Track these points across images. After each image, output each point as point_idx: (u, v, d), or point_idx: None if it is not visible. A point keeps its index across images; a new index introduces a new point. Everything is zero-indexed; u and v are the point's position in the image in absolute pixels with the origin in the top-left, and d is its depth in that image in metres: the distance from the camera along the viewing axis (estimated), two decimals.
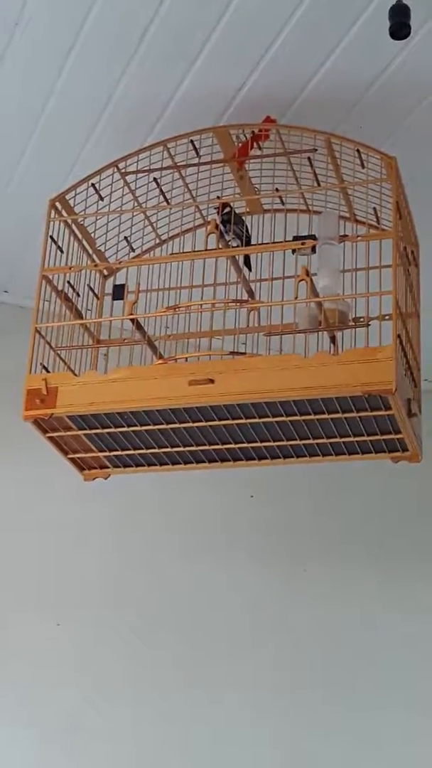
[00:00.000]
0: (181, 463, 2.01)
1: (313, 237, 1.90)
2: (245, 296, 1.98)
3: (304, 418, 1.84)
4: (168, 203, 2.03)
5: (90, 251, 2.06)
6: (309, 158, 1.94)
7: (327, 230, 1.94)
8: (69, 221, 2.00)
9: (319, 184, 1.97)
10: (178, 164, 2.00)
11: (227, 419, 1.86)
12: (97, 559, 2.51)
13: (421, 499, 2.80)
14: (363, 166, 1.91)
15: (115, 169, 2.00)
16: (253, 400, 1.80)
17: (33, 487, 2.50)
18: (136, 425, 1.90)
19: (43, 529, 2.49)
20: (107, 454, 1.99)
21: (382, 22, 1.72)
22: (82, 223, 2.03)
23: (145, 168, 2.00)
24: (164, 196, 2.03)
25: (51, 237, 1.96)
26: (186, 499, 2.59)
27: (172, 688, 2.47)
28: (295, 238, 1.90)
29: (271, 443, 1.92)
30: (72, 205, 2.00)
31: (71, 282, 1.97)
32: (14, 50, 1.94)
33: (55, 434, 1.94)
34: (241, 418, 1.85)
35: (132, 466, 2.03)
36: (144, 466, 2.03)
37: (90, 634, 2.45)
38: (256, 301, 1.96)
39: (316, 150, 1.93)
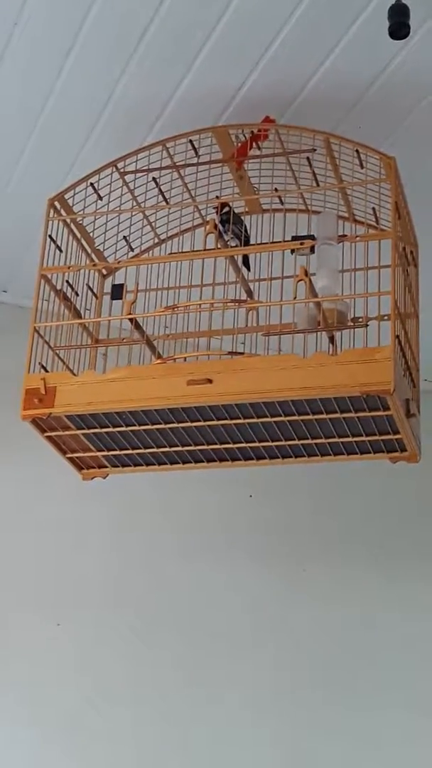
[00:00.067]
0: (179, 463, 2.01)
1: (311, 237, 1.90)
2: (244, 296, 1.98)
3: (302, 418, 1.84)
4: (167, 203, 2.03)
5: (89, 251, 2.06)
6: (308, 158, 1.94)
7: (326, 230, 1.94)
8: (68, 221, 2.00)
9: (318, 184, 1.97)
10: (177, 164, 2.00)
11: (225, 419, 1.86)
12: (97, 559, 2.51)
13: (420, 499, 2.80)
14: (362, 166, 1.90)
15: (114, 169, 2.00)
16: (252, 400, 1.80)
17: (32, 487, 2.50)
18: (134, 425, 1.90)
19: (42, 528, 2.49)
20: (106, 453, 1.99)
21: (382, 22, 1.72)
22: (81, 222, 2.03)
23: (144, 168, 2.00)
24: (163, 196, 2.03)
25: (50, 236, 1.96)
26: (185, 498, 2.59)
27: (172, 688, 2.47)
28: (294, 238, 1.90)
29: (270, 443, 1.92)
30: (71, 205, 2.00)
31: (70, 281, 1.97)
32: (14, 50, 1.94)
33: (53, 434, 1.94)
34: (240, 418, 1.85)
35: (130, 466, 2.03)
36: (142, 465, 2.03)
37: (90, 634, 2.45)
38: (255, 301, 1.96)
39: (315, 150, 1.93)
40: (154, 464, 2.02)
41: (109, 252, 2.09)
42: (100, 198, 2.01)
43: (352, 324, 1.89)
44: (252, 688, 2.54)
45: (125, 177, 2.01)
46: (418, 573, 2.74)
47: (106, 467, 2.05)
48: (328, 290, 1.90)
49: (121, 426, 1.90)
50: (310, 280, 1.80)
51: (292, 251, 1.90)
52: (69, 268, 1.97)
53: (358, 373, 1.72)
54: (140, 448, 1.97)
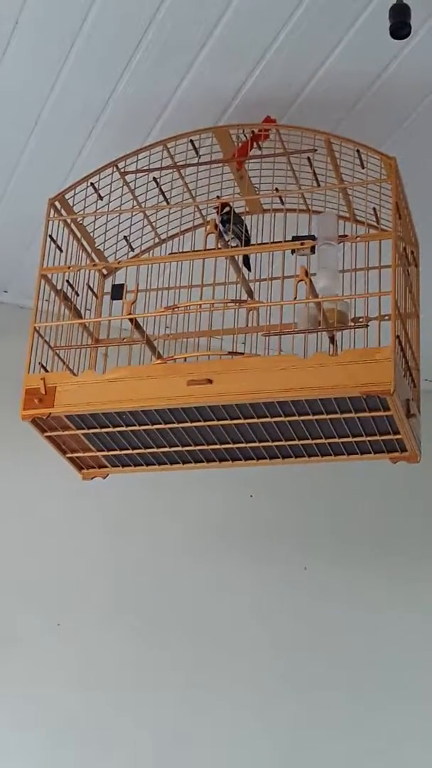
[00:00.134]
0: (179, 463, 2.01)
1: (312, 237, 1.90)
2: (244, 296, 1.98)
3: (302, 418, 1.84)
4: (167, 203, 2.03)
5: (89, 251, 2.06)
6: (309, 158, 1.94)
7: (326, 230, 1.94)
8: (68, 221, 2.00)
9: (318, 185, 1.97)
10: (177, 164, 2.00)
11: (226, 419, 1.86)
12: (96, 559, 2.51)
13: (420, 499, 2.80)
14: (363, 167, 1.90)
15: (115, 169, 2.00)
16: (252, 401, 1.79)
17: (32, 487, 2.50)
18: (134, 425, 1.90)
19: (42, 528, 2.49)
20: (106, 453, 1.99)
21: (383, 22, 1.72)
22: (81, 222, 2.03)
23: (145, 168, 2.00)
24: (164, 196, 2.02)
25: (50, 236, 1.96)
26: (185, 499, 2.59)
27: (173, 688, 2.47)
28: (295, 239, 1.90)
29: (270, 443, 1.92)
30: (71, 205, 2.00)
31: (70, 281, 1.97)
32: (14, 50, 1.94)
33: (53, 434, 1.94)
34: (240, 419, 1.85)
35: (131, 466, 2.03)
36: (142, 465, 2.03)
37: (90, 635, 2.45)
38: (255, 301, 1.95)
39: (315, 150, 1.93)
40: (154, 464, 2.02)
41: (110, 252, 2.09)
42: (101, 198, 2.01)
43: (352, 324, 1.89)
44: (252, 688, 2.54)
45: (126, 177, 2.01)
46: (419, 573, 2.74)
47: (106, 467, 2.05)
48: (328, 290, 1.90)
49: (121, 426, 1.90)
50: (310, 280, 1.80)
51: (293, 251, 1.90)
52: (69, 268, 1.97)
53: (358, 374, 1.72)
54: (140, 448, 1.97)
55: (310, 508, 2.71)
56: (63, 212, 1.99)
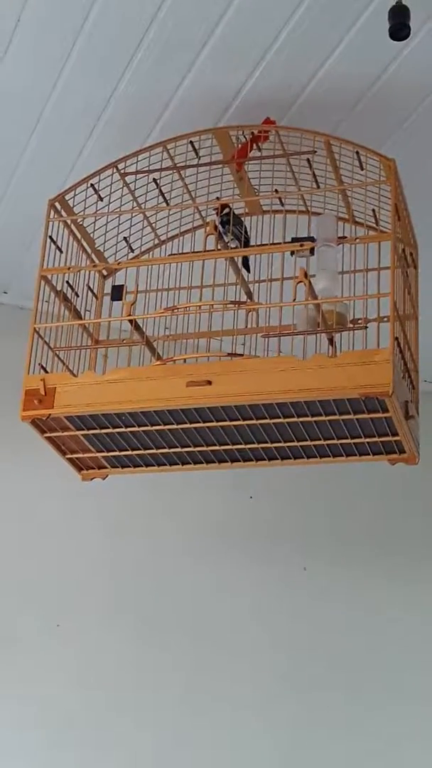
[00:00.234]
0: (179, 465, 2.01)
1: (311, 239, 1.90)
2: (244, 298, 1.98)
3: (301, 420, 1.84)
4: (167, 204, 2.03)
5: (89, 251, 2.06)
6: (308, 160, 1.94)
7: (325, 232, 1.94)
8: (68, 221, 2.00)
9: (318, 186, 1.97)
10: (177, 165, 2.00)
11: (225, 421, 1.86)
12: (96, 560, 2.51)
13: (419, 500, 2.80)
14: (362, 168, 1.90)
15: (115, 170, 2.00)
16: (251, 402, 1.79)
17: (32, 488, 2.50)
18: (134, 426, 1.90)
19: (42, 529, 2.49)
20: (105, 454, 1.99)
21: (382, 23, 1.72)
22: (81, 223, 2.03)
23: (145, 169, 2.00)
24: (164, 197, 2.03)
25: (50, 237, 1.96)
26: (185, 500, 2.59)
27: (172, 689, 2.47)
28: (294, 240, 1.90)
29: (269, 445, 1.92)
30: (71, 206, 2.00)
31: (70, 282, 1.97)
32: (14, 50, 1.94)
33: (53, 434, 1.94)
34: (239, 420, 1.85)
35: (130, 467, 2.03)
36: (142, 466, 2.03)
37: (90, 636, 2.45)
38: (255, 302, 1.95)
39: (315, 152, 1.93)
40: (154, 465, 2.02)
41: (110, 253, 2.09)
42: (101, 199, 2.01)
43: (351, 326, 1.89)
44: (252, 688, 2.54)
45: (126, 178, 2.01)
46: (418, 574, 2.74)
47: (106, 468, 2.05)
48: (327, 292, 1.90)
49: (121, 427, 1.90)
50: (309, 281, 1.80)
51: (292, 253, 1.90)
52: (69, 269, 1.97)
53: (357, 375, 1.72)
54: (140, 449, 1.97)
55: (310, 510, 2.71)
56: (63, 213, 1.99)
